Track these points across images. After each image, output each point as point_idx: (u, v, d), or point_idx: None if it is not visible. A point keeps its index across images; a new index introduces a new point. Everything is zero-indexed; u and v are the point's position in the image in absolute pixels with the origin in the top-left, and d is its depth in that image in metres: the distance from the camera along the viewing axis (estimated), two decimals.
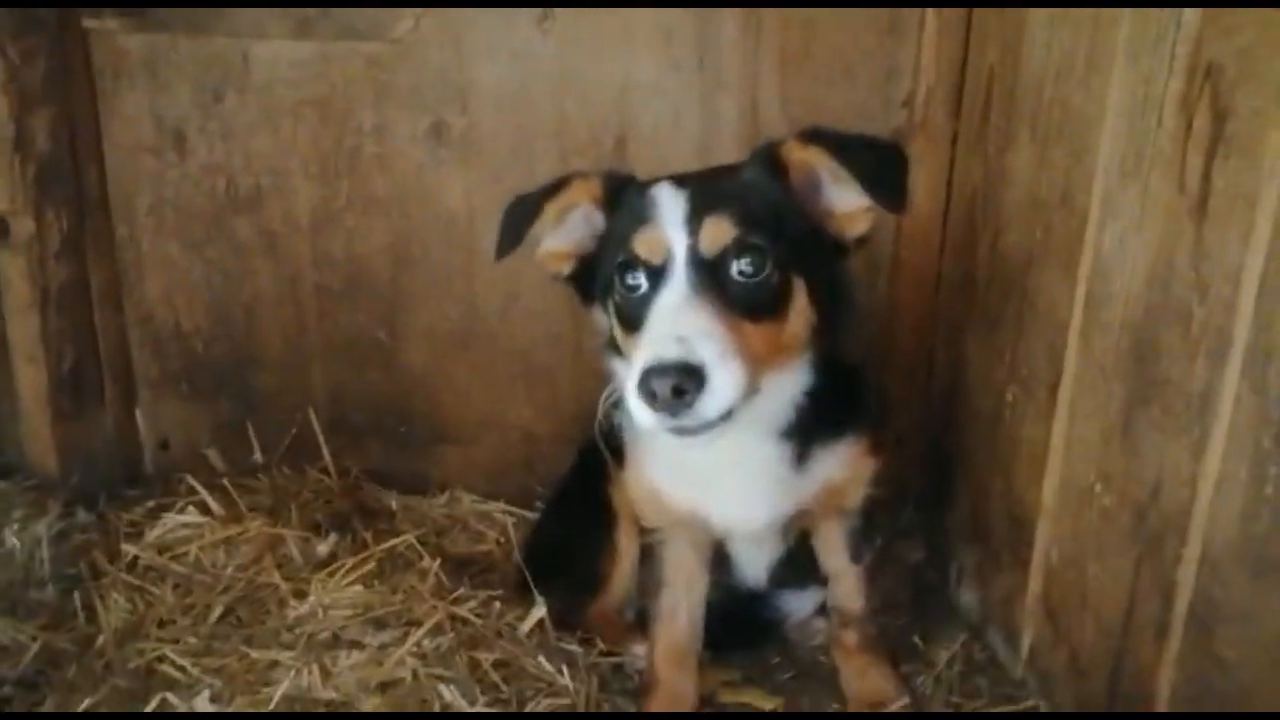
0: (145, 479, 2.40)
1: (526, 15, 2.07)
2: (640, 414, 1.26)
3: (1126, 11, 1.29)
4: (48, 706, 1.65)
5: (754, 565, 1.82)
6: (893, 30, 2.04)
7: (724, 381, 1.24)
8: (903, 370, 2.25)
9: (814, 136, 1.40)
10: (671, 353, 1.23)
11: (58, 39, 2.04)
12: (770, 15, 2.04)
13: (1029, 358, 1.63)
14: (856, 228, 1.45)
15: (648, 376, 1.23)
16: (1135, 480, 1.30)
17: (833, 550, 1.77)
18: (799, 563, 1.81)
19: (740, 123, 2.10)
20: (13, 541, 1.92)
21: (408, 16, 2.08)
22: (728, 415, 1.27)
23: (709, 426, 1.27)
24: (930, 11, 1.99)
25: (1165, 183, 1.21)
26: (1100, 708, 1.40)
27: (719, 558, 1.78)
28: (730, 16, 2.05)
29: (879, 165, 1.36)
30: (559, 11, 2.06)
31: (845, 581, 1.78)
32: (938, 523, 2.12)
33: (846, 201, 1.43)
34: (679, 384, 1.22)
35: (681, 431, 1.27)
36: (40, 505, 2.02)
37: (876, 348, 2.23)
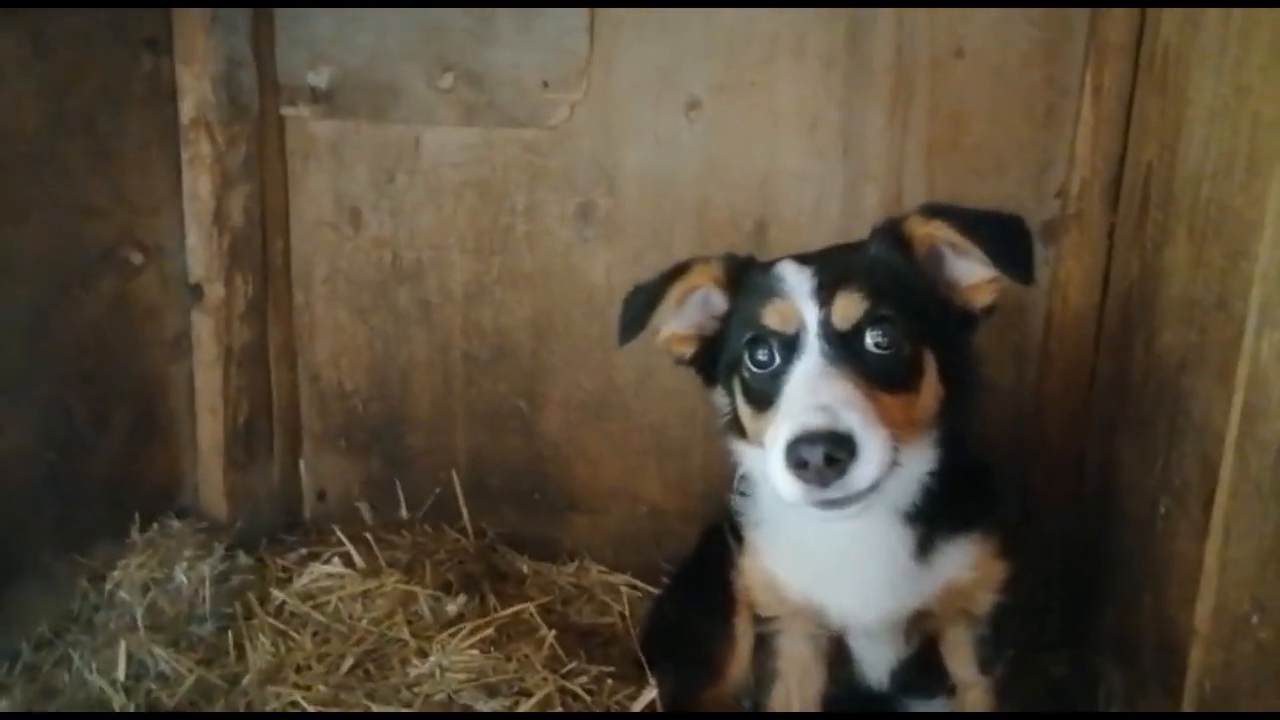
0: (303, 526, 2.55)
1: (674, 103, 2.15)
2: (787, 486, 1.25)
3: None
4: None
5: (875, 666, 1.75)
6: (1047, 121, 2.00)
7: (873, 449, 1.23)
8: (1051, 469, 2.14)
9: (936, 211, 1.42)
10: (818, 421, 1.22)
11: (258, 125, 2.28)
12: (918, 105, 2.04)
13: (1182, 468, 1.52)
14: (982, 299, 1.45)
15: (796, 445, 1.22)
16: None
17: (960, 659, 1.69)
18: (926, 669, 1.73)
19: (882, 212, 2.07)
20: (181, 579, 2.08)
21: (564, 105, 2.21)
22: (875, 487, 1.25)
23: (857, 499, 1.25)
24: (1087, 104, 1.93)
25: None
26: None
27: (839, 656, 1.72)
28: (877, 106, 2.06)
29: (1002, 236, 1.36)
30: (706, 99, 2.13)
31: (973, 694, 1.70)
32: (1084, 635, 1.97)
33: (971, 273, 1.43)
34: (830, 452, 1.20)
35: (829, 505, 1.26)
36: (208, 546, 2.17)
37: (1020, 444, 2.13)
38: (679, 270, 1.54)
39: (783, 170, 2.14)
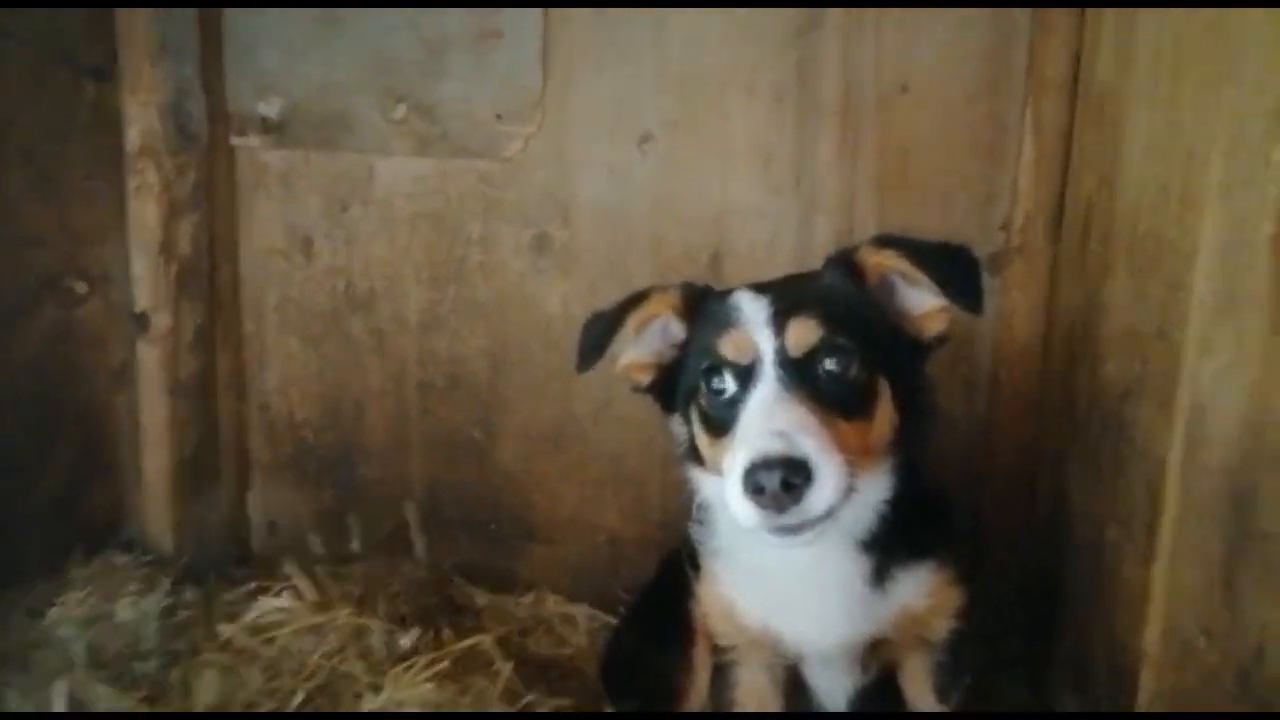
0: (253, 560, 2.49)
1: (628, 136, 2.17)
2: (744, 512, 1.26)
3: (1215, 150, 1.26)
4: None
5: (833, 695, 1.74)
6: (991, 155, 2.05)
7: (829, 475, 1.24)
8: (1003, 497, 2.17)
9: (887, 242, 1.44)
10: (775, 446, 1.23)
11: (207, 154, 2.25)
12: (867, 139, 2.08)
13: (1128, 495, 1.56)
14: (933, 328, 1.48)
15: (754, 471, 1.23)
16: (1238, 639, 1.21)
17: (917, 686, 1.69)
18: (883, 698, 1.74)
19: (836, 244, 2.09)
20: (124, 615, 2.02)
21: (518, 137, 2.21)
22: (831, 513, 1.26)
23: (813, 524, 1.26)
24: (1029, 139, 1.99)
25: (1261, 324, 1.16)
26: None
27: (797, 687, 1.72)
28: (826, 141, 2.10)
29: (951, 266, 1.39)
30: (659, 133, 2.16)
31: None
32: (1039, 661, 2.00)
33: (921, 303, 1.46)
34: (787, 477, 1.21)
35: (785, 531, 1.27)
36: (153, 581, 2.12)
37: (972, 473, 2.17)
38: (637, 299, 1.55)
39: (736, 203, 2.16)
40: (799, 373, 1.35)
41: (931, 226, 2.06)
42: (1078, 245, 1.85)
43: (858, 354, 1.37)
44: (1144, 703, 1.48)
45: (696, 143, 2.15)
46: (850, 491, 1.30)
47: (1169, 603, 1.40)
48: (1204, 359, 1.29)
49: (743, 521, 1.27)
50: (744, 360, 1.38)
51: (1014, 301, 2.07)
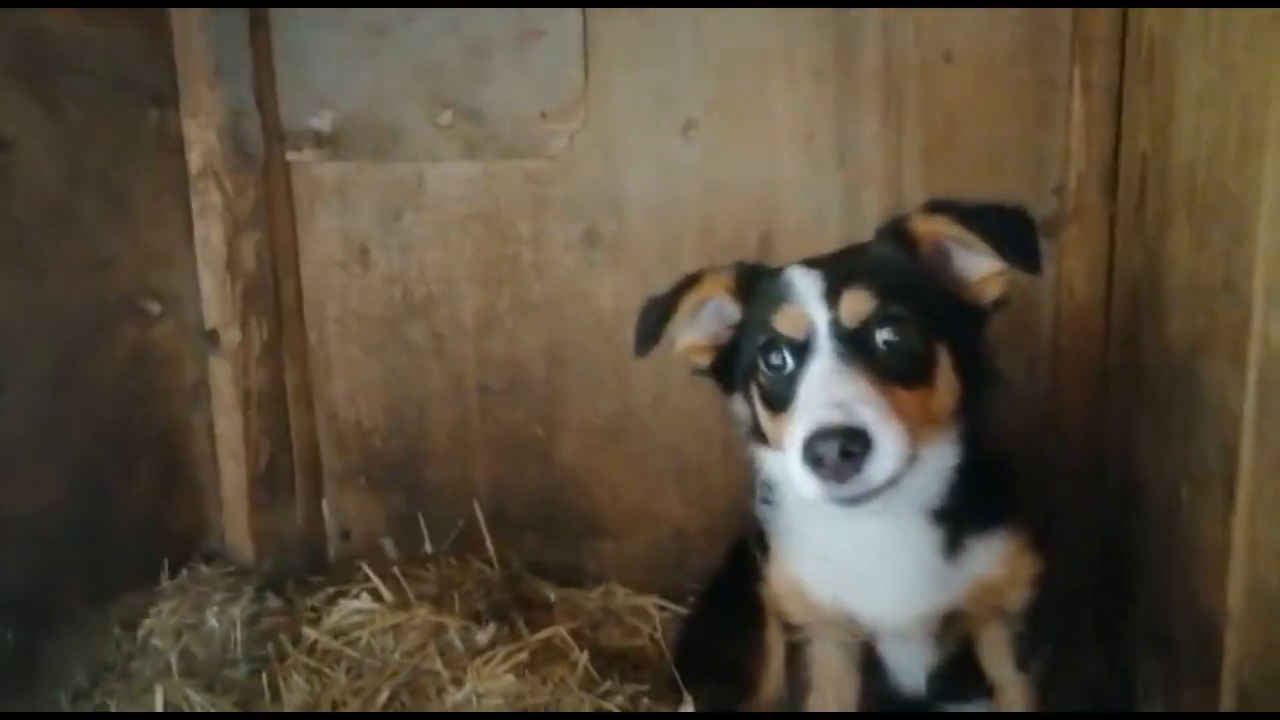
0: (328, 567, 2.56)
1: (671, 125, 2.18)
2: (805, 483, 1.26)
3: (1273, 93, 1.23)
4: None
5: (910, 671, 1.74)
6: (1039, 118, 2.02)
7: (889, 443, 1.24)
8: (1072, 466, 2.14)
9: (938, 208, 1.43)
10: (834, 417, 1.24)
11: (264, 172, 2.32)
12: (911, 109, 2.07)
13: (1201, 453, 1.52)
14: (991, 292, 1.46)
15: (812, 442, 1.23)
16: None
17: (996, 658, 1.67)
18: (962, 672, 1.72)
19: (883, 216, 2.10)
20: (213, 623, 2.10)
21: (563, 135, 2.24)
22: (893, 481, 1.26)
23: (876, 493, 1.26)
24: (1077, 99, 1.96)
25: None
26: None
27: (873, 663, 1.72)
28: (870, 113, 2.09)
29: (1006, 227, 1.38)
30: (702, 119, 2.17)
31: (1011, 693, 1.68)
32: (1118, 629, 1.97)
33: (978, 267, 1.44)
34: (845, 446, 1.22)
35: (847, 500, 1.27)
36: (237, 590, 2.20)
37: (1040, 443, 2.13)
38: (690, 281, 1.56)
39: (782, 182, 2.17)
40: (855, 344, 1.34)
41: (982, 193, 2.01)
42: (1134, 204, 1.82)
43: (913, 322, 1.36)
44: (1230, 663, 1.44)
45: (740, 126, 2.16)
46: (913, 460, 1.29)
47: (1250, 559, 1.37)
48: (1274, 307, 1.26)
49: (805, 493, 1.27)
50: (799, 335, 1.39)
51: (1072, 266, 2.04)
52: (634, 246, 2.27)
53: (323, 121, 2.35)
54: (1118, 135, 1.92)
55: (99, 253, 2.03)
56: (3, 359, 1.81)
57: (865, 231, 2.10)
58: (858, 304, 1.36)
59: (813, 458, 1.23)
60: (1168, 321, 1.66)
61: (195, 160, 2.23)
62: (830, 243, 2.11)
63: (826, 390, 1.29)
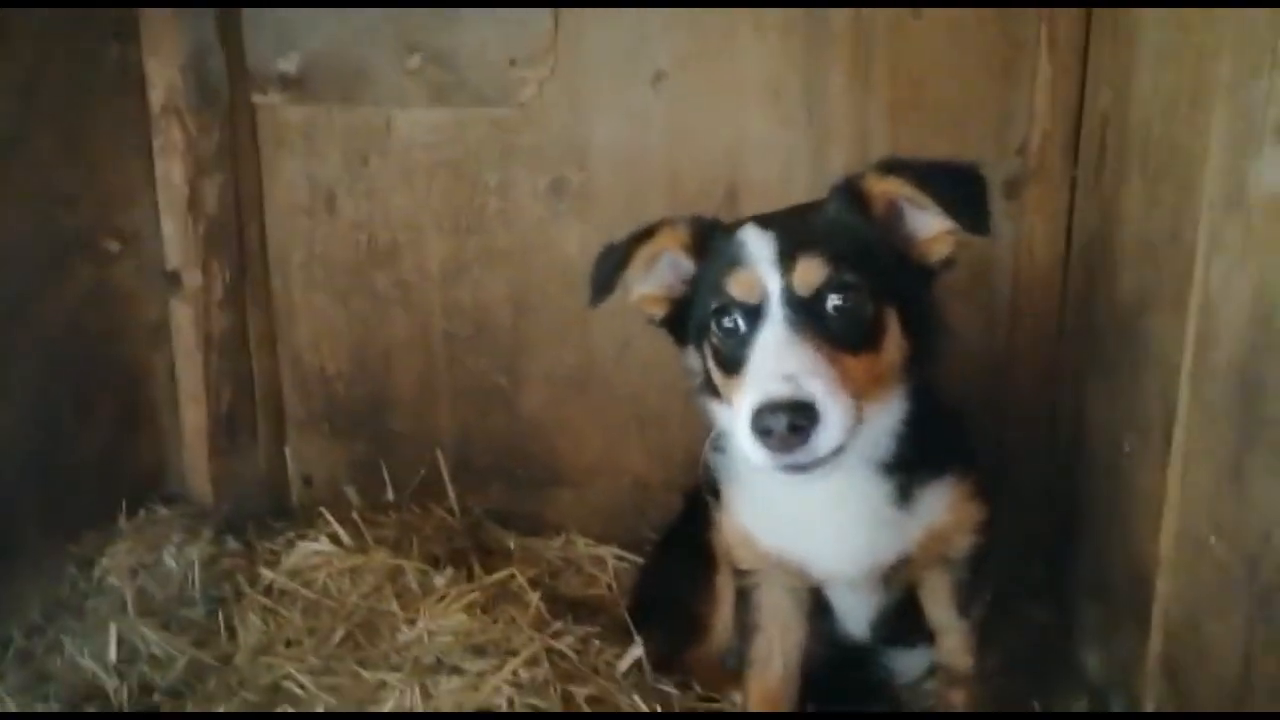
0: (290, 512, 2.56)
1: (640, 76, 2.17)
2: (753, 453, 1.28)
3: (1226, 44, 1.25)
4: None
5: (855, 616, 1.78)
6: (1005, 76, 2.03)
7: (836, 416, 1.26)
8: (1024, 422, 2.17)
9: (892, 167, 1.42)
10: (783, 390, 1.25)
11: (229, 114, 2.29)
12: (879, 66, 2.07)
13: (1144, 403, 1.56)
14: (939, 252, 1.46)
15: (761, 414, 1.25)
16: (1246, 529, 1.22)
17: (939, 603, 1.71)
18: (906, 618, 1.76)
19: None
20: (170, 563, 2.11)
21: (531, 83, 2.23)
22: (840, 450, 1.28)
23: (822, 462, 1.28)
24: (1044, 57, 1.96)
25: (1267, 215, 1.16)
26: None
27: (819, 607, 1.75)
28: (838, 69, 2.09)
29: (958, 187, 1.37)
30: (671, 71, 2.16)
31: (952, 638, 1.72)
32: (1062, 578, 2.01)
33: (928, 226, 1.44)
34: (793, 421, 1.24)
35: (794, 469, 1.29)
36: (195, 532, 2.20)
37: (993, 400, 2.16)
38: (646, 233, 1.55)
39: (750, 137, 2.17)
40: (806, 311, 1.35)
41: (946, 152, 2.02)
42: (1094, 164, 1.84)
43: (865, 289, 1.37)
44: (1159, 607, 1.49)
45: (708, 79, 2.15)
46: (860, 425, 1.31)
47: (1182, 505, 1.41)
48: (1214, 257, 1.29)
49: (753, 461, 1.30)
50: (752, 300, 1.39)
51: (1032, 225, 2.06)
52: (600, 197, 2.27)
53: (289, 63, 2.32)
54: (1081, 96, 1.94)
55: (56, 188, 2.00)
56: None
57: None
58: (810, 272, 1.36)
59: (761, 429, 1.25)
60: (1119, 278, 1.69)
61: (157, 98, 2.20)
62: (797, 198, 2.09)
63: (777, 361, 1.30)
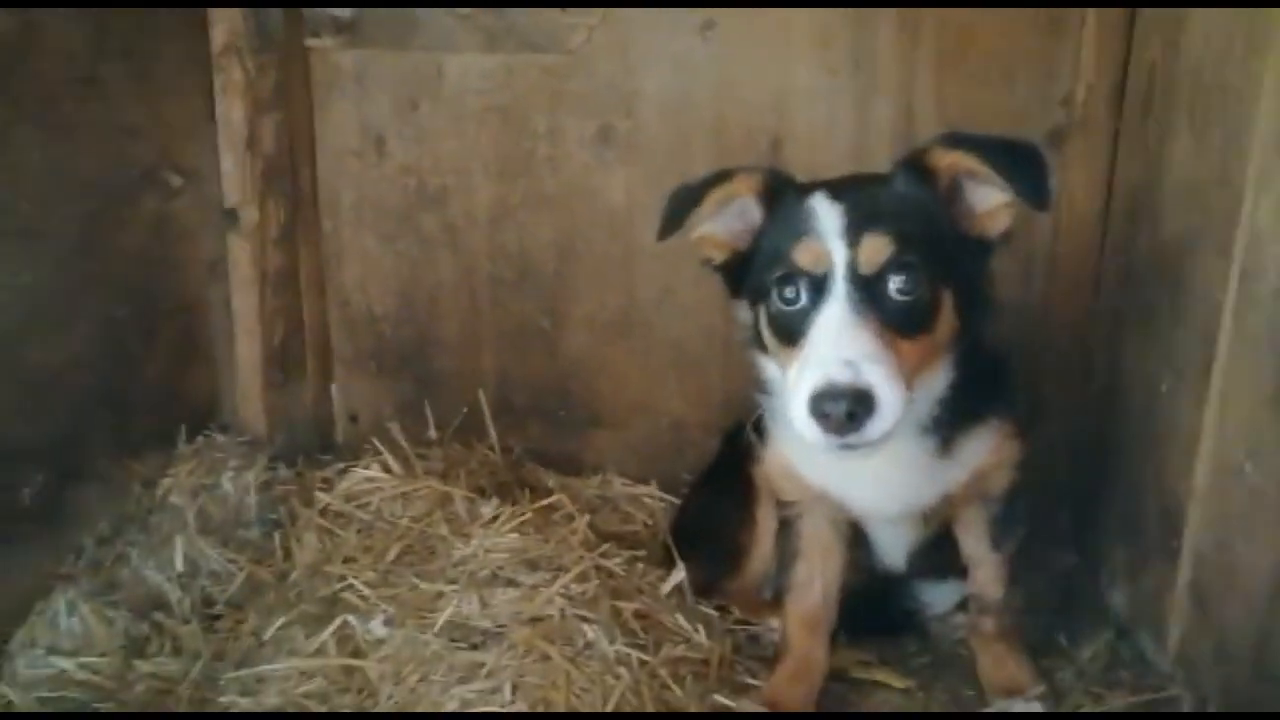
0: (336, 448, 2.64)
1: (689, 25, 2.21)
2: (808, 431, 1.32)
3: None
4: (248, 625, 1.88)
5: (893, 549, 1.84)
6: (1052, 29, 2.06)
7: (890, 404, 1.30)
8: (1058, 370, 2.22)
9: (957, 141, 1.45)
10: (843, 377, 1.29)
11: (284, 55, 2.35)
12: (928, 17, 2.10)
13: (1183, 344, 1.60)
14: (998, 225, 1.48)
15: (820, 400, 1.29)
16: None
17: (974, 536, 1.77)
18: (940, 551, 1.82)
19: (895, 125, 2.16)
20: (228, 487, 2.19)
21: (582, 29, 2.27)
22: (889, 435, 1.33)
23: (874, 444, 1.33)
24: (1091, 10, 1.99)
25: None
26: (1245, 691, 1.36)
27: (857, 538, 1.81)
28: (886, 20, 2.12)
29: (1023, 163, 1.39)
30: (720, 20, 2.20)
31: (985, 569, 1.78)
32: (1092, 525, 2.07)
33: (987, 199, 1.46)
34: (852, 408, 1.28)
35: (846, 448, 1.33)
36: (250, 459, 2.28)
37: (1029, 350, 2.21)
38: (722, 176, 1.56)
39: (796, 87, 2.20)
40: (868, 290, 1.37)
41: (992, 104, 2.10)
42: (1139, 116, 1.87)
43: (924, 271, 1.39)
44: (1189, 539, 1.55)
45: (756, 29, 2.18)
46: (909, 404, 1.35)
47: (1219, 438, 1.46)
48: (1262, 194, 1.33)
49: (806, 438, 1.34)
50: (817, 271, 1.41)
51: (1074, 177, 2.09)
52: (646, 145, 2.31)
53: (343, 8, 2.37)
54: (1128, 49, 1.96)
55: (123, 119, 2.06)
56: (35, 215, 1.86)
57: (876, 140, 2.18)
58: (876, 250, 1.38)
59: (818, 413, 1.30)
60: (1162, 224, 1.73)
61: (219, 37, 2.25)
62: (841, 150, 2.19)
63: (837, 344, 1.33)
